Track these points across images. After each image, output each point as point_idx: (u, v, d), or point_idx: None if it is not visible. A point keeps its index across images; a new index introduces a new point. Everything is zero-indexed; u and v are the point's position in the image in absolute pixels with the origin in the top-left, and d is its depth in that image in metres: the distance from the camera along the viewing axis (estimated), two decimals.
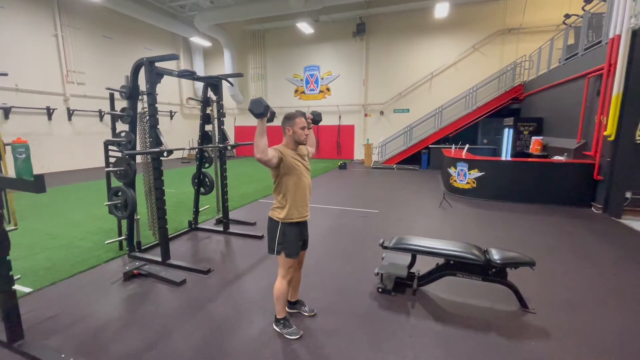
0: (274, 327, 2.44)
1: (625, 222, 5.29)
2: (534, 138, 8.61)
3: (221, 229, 4.74)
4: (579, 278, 3.31)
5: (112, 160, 3.51)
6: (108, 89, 3.42)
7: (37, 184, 1.75)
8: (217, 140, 4.40)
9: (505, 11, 12.35)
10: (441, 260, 2.95)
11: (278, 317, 2.41)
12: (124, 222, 3.85)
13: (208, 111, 4.39)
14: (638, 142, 5.34)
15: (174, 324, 2.53)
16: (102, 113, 12.16)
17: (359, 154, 15.18)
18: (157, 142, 3.27)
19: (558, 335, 2.37)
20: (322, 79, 15.20)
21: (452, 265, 2.85)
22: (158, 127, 3.29)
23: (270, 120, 2.05)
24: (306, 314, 2.63)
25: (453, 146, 10.01)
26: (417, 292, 2.99)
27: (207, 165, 4.69)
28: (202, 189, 4.75)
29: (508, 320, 2.58)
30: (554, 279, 3.27)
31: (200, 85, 16.06)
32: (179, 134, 15.77)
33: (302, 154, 2.34)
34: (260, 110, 1.96)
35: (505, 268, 2.69)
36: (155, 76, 3.23)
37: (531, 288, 2.98)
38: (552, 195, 6.44)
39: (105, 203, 3.38)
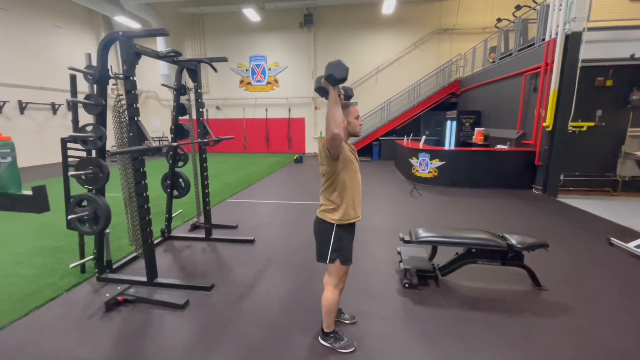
0: (323, 342, 2.18)
1: (562, 200, 6.18)
2: (476, 129, 9.53)
3: (199, 235, 4.18)
4: (559, 254, 3.70)
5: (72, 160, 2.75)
6: (71, 68, 2.63)
7: (38, 199, 1.21)
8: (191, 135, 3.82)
9: (441, 12, 13.36)
10: (460, 250, 3.01)
11: (327, 330, 2.17)
12: (86, 237, 3.10)
13: (183, 101, 3.76)
14: (570, 131, 6.26)
15: (202, 359, 2.09)
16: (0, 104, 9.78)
17: (310, 147, 15.07)
18: (139, 137, 2.66)
19: (580, 308, 2.61)
20: (270, 69, 14.60)
21: (474, 254, 2.93)
22: (138, 119, 2.67)
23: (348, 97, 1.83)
24: (347, 321, 2.43)
25: (405, 138, 10.56)
26: (439, 283, 3.01)
27: (180, 163, 4.06)
28: (175, 192, 4.10)
29: (531, 299, 2.75)
30: (540, 257, 3.58)
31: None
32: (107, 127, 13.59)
33: (352, 148, 2.11)
34: (343, 74, 1.64)
35: (523, 251, 2.86)
36: (134, 56, 2.60)
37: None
38: (501, 180, 7.21)
39: (69, 216, 2.63)
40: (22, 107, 10.43)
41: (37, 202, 1.20)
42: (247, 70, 14.71)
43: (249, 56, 14.58)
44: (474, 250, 2.92)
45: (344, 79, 1.66)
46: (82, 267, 3.16)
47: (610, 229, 4.51)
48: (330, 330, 2.17)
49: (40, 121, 11.03)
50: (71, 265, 2.97)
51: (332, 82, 1.67)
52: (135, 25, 12.89)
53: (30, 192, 1.19)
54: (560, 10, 6.07)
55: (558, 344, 2.19)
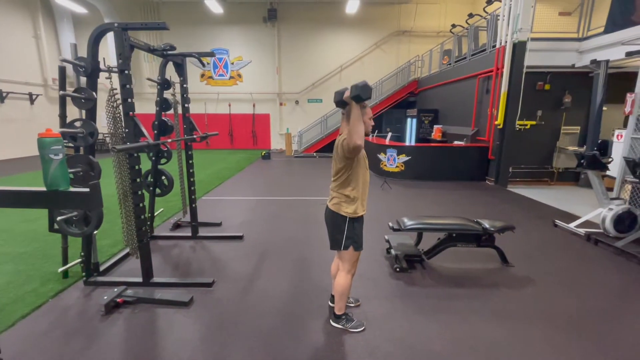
0: (335, 324, 2.35)
1: (511, 190, 7.00)
2: (435, 126, 10.28)
3: (184, 234, 4.10)
4: (517, 235, 4.23)
5: None
6: (63, 59, 2.44)
7: (93, 196, 1.22)
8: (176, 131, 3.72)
9: (400, 15, 14.05)
10: (442, 235, 3.36)
11: (339, 313, 2.34)
12: (71, 240, 2.92)
13: (168, 96, 3.64)
14: (517, 129, 7.09)
15: (230, 353, 2.14)
16: None
17: (276, 143, 15.00)
18: (135, 133, 2.58)
19: (541, 279, 3.09)
20: (232, 64, 14.22)
21: (454, 238, 3.29)
22: (134, 114, 2.58)
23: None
24: (352, 304, 2.63)
25: (370, 134, 11.01)
26: (425, 266, 3.34)
27: (164, 160, 3.92)
28: (157, 190, 3.96)
29: (502, 275, 3.18)
30: (503, 238, 4.10)
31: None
32: (44, 122, 12.24)
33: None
34: (368, 95, 1.91)
35: (494, 234, 3.29)
36: (129, 49, 2.51)
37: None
38: (459, 173, 7.92)
39: (58, 218, 2.46)
40: None
41: (92, 199, 1.21)
42: (208, 63, 14.16)
43: (210, 49, 14.02)
44: (454, 235, 3.28)
45: (368, 98, 1.96)
46: (65, 272, 2.96)
47: (552, 212, 5.26)
48: (341, 312, 2.34)
49: None
50: (59, 270, 2.78)
51: (358, 100, 1.91)
52: (79, 9, 11.74)
53: (86, 189, 1.19)
54: (510, 21, 6.82)
55: (528, 310, 2.61)
